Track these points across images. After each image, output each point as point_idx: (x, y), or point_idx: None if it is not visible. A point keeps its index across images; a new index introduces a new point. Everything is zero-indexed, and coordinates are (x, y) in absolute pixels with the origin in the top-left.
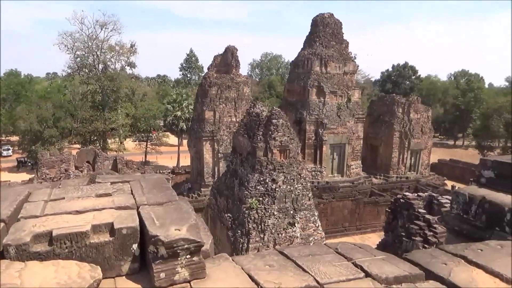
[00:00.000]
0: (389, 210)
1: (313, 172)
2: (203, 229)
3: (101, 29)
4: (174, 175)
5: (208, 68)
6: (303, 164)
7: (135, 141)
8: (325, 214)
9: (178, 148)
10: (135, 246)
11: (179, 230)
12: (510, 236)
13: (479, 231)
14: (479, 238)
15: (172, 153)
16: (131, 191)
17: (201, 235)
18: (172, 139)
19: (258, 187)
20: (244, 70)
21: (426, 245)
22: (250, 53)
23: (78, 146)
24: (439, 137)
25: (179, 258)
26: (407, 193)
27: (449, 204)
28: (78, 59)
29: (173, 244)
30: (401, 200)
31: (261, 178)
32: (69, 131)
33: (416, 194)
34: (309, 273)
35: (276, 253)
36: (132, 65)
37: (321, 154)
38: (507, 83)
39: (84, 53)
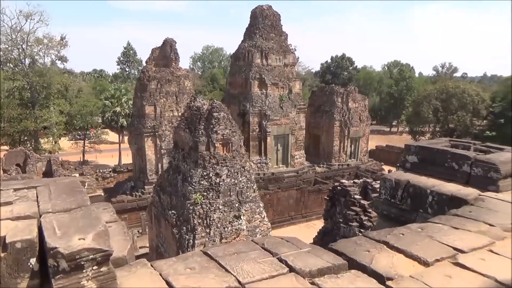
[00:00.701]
0: (328, 198)
1: (259, 164)
2: (123, 233)
3: (26, 20)
4: (116, 174)
5: (146, 62)
6: (246, 157)
7: (72, 140)
8: (271, 204)
9: (119, 146)
10: (33, 260)
11: (84, 239)
12: (432, 216)
13: (406, 214)
14: (406, 221)
15: (113, 151)
16: (37, 197)
17: (110, 242)
18: (113, 136)
19: (202, 182)
20: (185, 63)
21: (362, 230)
22: (191, 47)
23: (7, 147)
24: (376, 124)
25: (84, 270)
26: (343, 181)
27: None
28: (1, 53)
29: (75, 256)
30: (338, 187)
31: (205, 173)
32: None
33: (352, 181)
34: (231, 273)
35: (200, 254)
36: (63, 59)
37: (266, 146)
38: (434, 72)
39: (7, 46)
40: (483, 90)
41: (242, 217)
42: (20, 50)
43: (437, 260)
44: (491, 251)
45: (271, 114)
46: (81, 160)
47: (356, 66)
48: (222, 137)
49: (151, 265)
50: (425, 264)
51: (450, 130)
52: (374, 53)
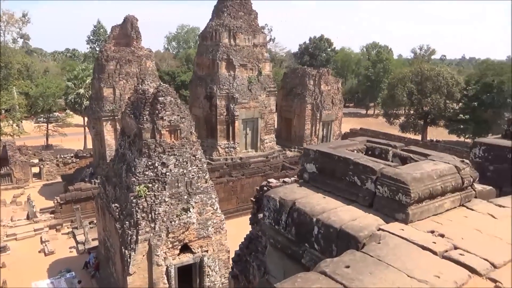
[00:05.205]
0: (254, 200)
1: (227, 149)
2: None
3: None
4: (79, 159)
5: (105, 41)
6: (197, 144)
7: (37, 123)
8: (235, 191)
9: (84, 130)
10: None
11: None
12: (320, 254)
13: (293, 246)
14: (293, 254)
15: (79, 135)
16: None
17: None
18: (79, 119)
19: (147, 173)
20: (160, 43)
21: None
22: (170, 24)
23: None
24: (353, 107)
25: None
26: (271, 180)
27: None
28: None
29: None
30: (265, 187)
31: (150, 163)
32: None
33: (282, 180)
34: None
35: None
36: (25, 37)
37: (234, 130)
38: (412, 54)
39: None
40: (459, 73)
41: (191, 209)
42: None
43: None
44: None
45: (239, 97)
46: (45, 144)
47: (335, 47)
48: (169, 124)
49: None
50: None
51: (424, 113)
52: (355, 35)
